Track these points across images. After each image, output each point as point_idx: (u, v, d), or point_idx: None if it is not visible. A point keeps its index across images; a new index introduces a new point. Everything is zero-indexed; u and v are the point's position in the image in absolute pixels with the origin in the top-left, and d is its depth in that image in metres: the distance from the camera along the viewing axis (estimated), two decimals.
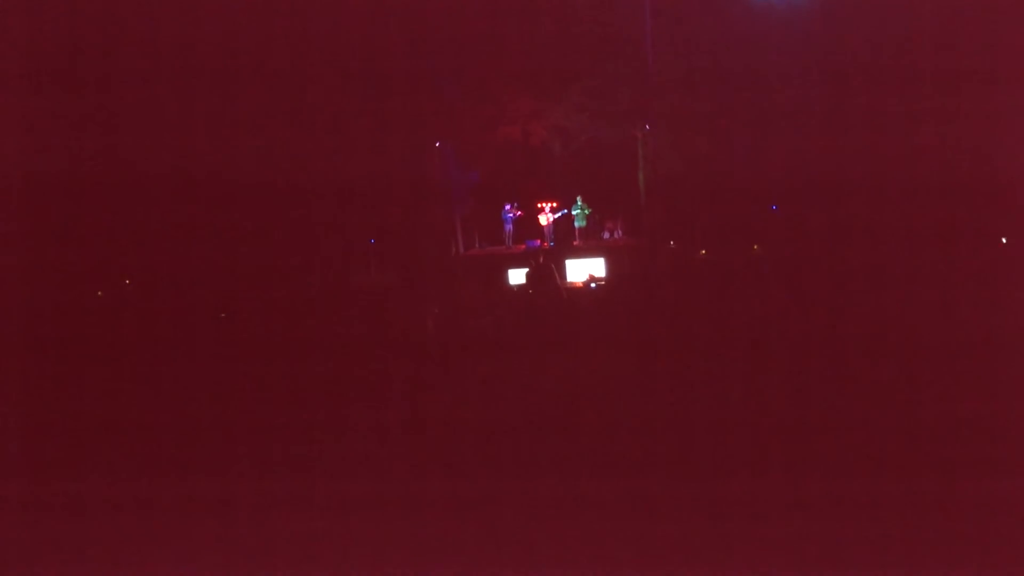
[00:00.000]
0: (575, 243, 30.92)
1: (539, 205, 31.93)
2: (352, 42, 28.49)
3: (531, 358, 14.76)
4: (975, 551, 8.19)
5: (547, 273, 20.88)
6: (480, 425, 11.42)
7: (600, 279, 24.95)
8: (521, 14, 30.82)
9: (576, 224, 31.54)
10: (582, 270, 25.62)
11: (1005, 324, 12.60)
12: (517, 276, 24.38)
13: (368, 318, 19.31)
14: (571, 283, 24.89)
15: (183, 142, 25.12)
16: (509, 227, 31.93)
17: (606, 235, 32.32)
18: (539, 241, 31.30)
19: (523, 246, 31.23)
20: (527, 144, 32.43)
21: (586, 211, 31.46)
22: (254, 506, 9.41)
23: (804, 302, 15.18)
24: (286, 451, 10.74)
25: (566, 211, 31.55)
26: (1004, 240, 17.52)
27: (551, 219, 31.65)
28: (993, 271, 14.50)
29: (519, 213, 31.73)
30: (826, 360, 12.21)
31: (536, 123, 32.10)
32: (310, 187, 26.54)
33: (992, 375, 11.21)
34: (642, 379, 13.23)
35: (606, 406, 12.22)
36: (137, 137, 24.27)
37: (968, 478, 9.13)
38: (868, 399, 11.04)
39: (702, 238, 28.25)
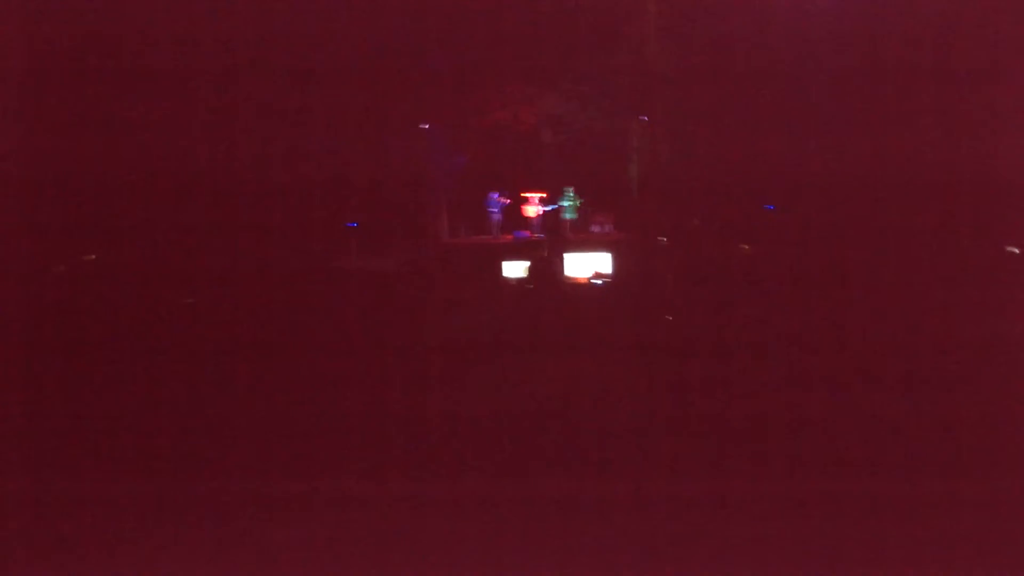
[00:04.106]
0: (568, 236, 30.43)
1: (526, 195, 31.62)
2: (340, 20, 28.10)
3: (532, 357, 14.63)
4: (975, 551, 8.21)
5: (550, 268, 20.53)
6: (481, 425, 11.40)
7: (605, 275, 24.19)
8: None
9: (566, 216, 31.18)
10: (584, 265, 24.81)
11: (1005, 324, 12.64)
12: (514, 269, 23.76)
13: (354, 308, 19.17)
14: (572, 278, 24.24)
15: (149, 129, 24.71)
16: (497, 216, 31.53)
17: (595, 228, 31.96)
18: (528, 232, 30.99)
19: (511, 237, 30.96)
20: (516, 131, 32.07)
21: (576, 203, 31.14)
22: (254, 506, 9.38)
23: (800, 302, 15.17)
24: (286, 451, 10.71)
25: (556, 205, 31.19)
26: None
27: (540, 210, 31.31)
28: (993, 270, 14.50)
29: (507, 202, 31.35)
30: (825, 359, 12.22)
31: (527, 109, 31.73)
32: (291, 170, 26.20)
33: (992, 375, 11.24)
34: (646, 380, 13.17)
35: (610, 406, 12.19)
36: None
37: (968, 478, 9.16)
38: (868, 399, 11.06)
39: (694, 235, 27.99)
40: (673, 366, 13.13)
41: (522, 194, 31.58)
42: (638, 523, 8.91)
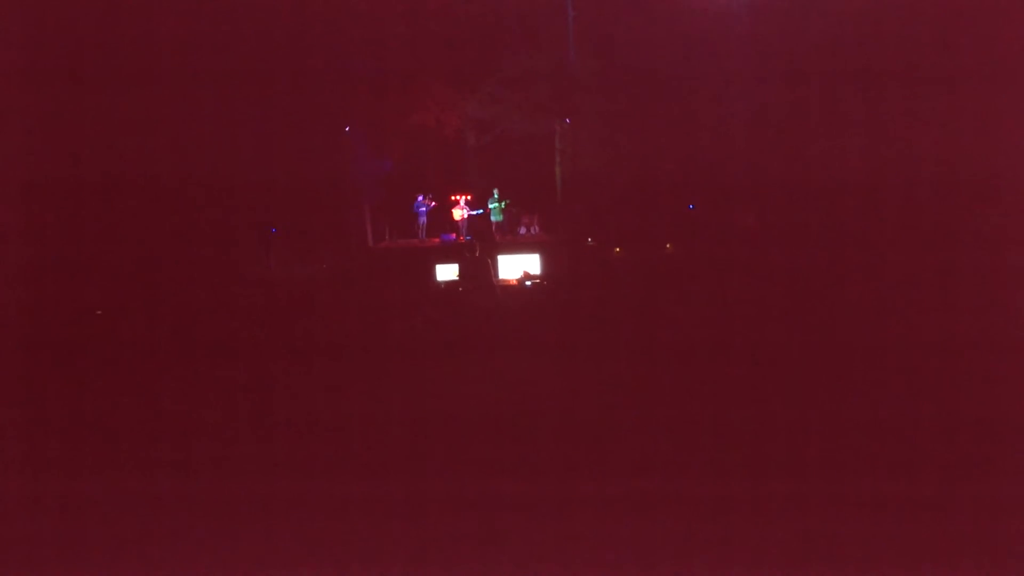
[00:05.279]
0: (495, 238, 30.36)
1: (453, 198, 31.56)
2: (264, 23, 27.77)
3: (478, 360, 14.53)
4: (975, 551, 8.28)
5: (483, 268, 20.36)
6: (478, 425, 11.28)
7: (536, 276, 24.22)
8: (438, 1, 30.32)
9: (492, 218, 31.17)
10: (515, 267, 24.76)
11: (1005, 324, 12.84)
12: (444, 272, 23.66)
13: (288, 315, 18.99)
14: (504, 280, 24.15)
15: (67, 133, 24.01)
16: (423, 219, 31.41)
17: (522, 230, 32.06)
18: (454, 235, 30.93)
19: (437, 239, 30.87)
20: (442, 134, 32.02)
21: (503, 205, 31.14)
22: (254, 506, 9.18)
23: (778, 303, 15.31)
24: (286, 451, 10.51)
25: (482, 210, 31.18)
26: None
27: (466, 213, 31.27)
28: (992, 270, 14.76)
29: (433, 204, 31.26)
30: (824, 361, 12.32)
31: (452, 113, 31.70)
32: (213, 174, 25.76)
33: (992, 375, 11.40)
34: (605, 382, 13.16)
35: (581, 408, 12.14)
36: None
37: (968, 478, 9.26)
38: (868, 399, 11.14)
39: (617, 235, 28.20)
40: (636, 366, 13.16)
41: (449, 197, 31.53)
42: (638, 523, 8.85)
